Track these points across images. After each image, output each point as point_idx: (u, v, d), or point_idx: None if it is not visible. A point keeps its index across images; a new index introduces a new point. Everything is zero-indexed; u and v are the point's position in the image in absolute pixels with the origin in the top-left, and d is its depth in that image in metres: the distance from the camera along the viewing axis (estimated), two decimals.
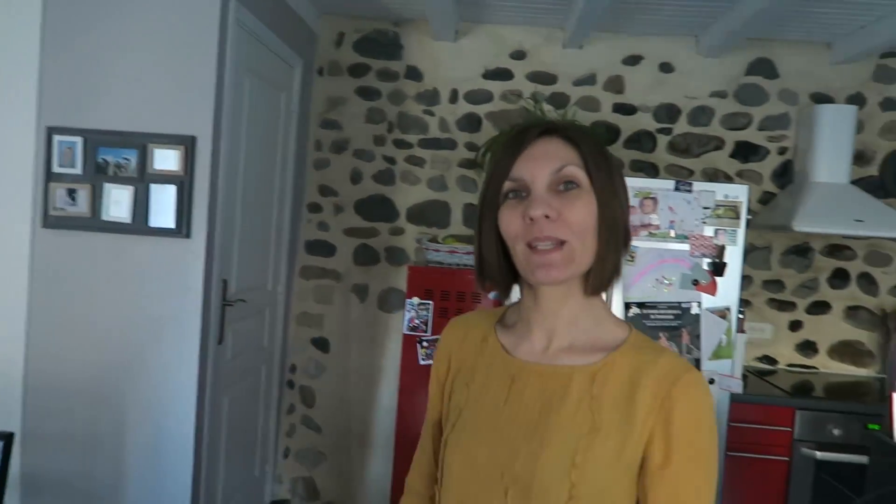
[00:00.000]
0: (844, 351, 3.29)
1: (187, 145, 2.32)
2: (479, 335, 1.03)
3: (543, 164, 0.89)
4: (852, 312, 3.28)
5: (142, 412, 2.38)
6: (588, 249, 0.89)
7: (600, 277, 0.91)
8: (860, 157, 3.23)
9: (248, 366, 2.95)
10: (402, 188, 3.45)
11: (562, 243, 0.88)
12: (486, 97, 3.40)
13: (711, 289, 2.58)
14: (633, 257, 2.57)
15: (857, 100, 3.26)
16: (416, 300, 2.91)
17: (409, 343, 2.93)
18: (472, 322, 1.06)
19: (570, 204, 0.88)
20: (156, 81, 2.33)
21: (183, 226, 2.34)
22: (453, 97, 3.42)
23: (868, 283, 3.28)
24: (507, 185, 0.91)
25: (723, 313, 2.58)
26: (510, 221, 0.90)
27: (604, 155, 0.92)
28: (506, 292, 0.98)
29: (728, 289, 2.58)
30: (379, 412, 3.46)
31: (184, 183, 2.34)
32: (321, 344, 3.48)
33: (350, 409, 3.47)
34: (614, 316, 0.98)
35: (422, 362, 2.90)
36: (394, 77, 3.43)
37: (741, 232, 2.59)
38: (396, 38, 3.41)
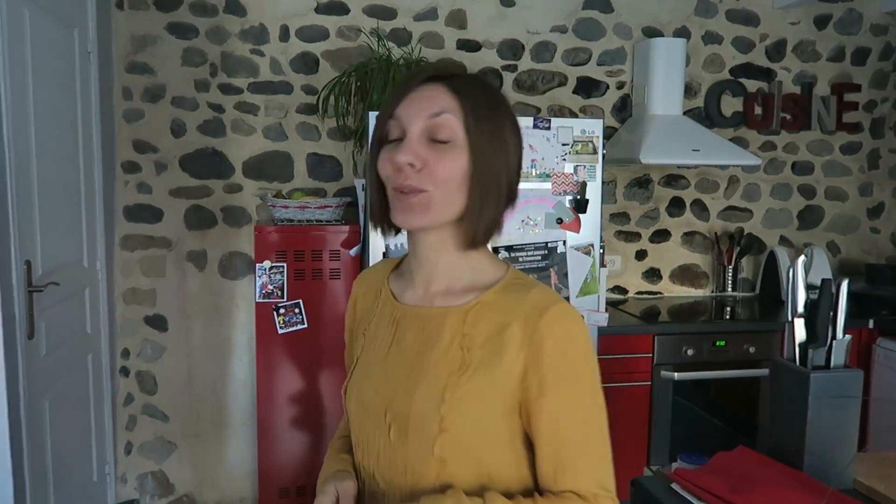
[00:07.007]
0: (683, 275, 3.51)
1: None
2: (377, 284, 1.06)
3: (423, 107, 0.91)
4: (688, 238, 3.50)
5: None
6: (451, 202, 0.91)
7: (474, 232, 0.93)
8: (688, 89, 3.37)
9: (70, 358, 2.50)
10: (234, 139, 3.07)
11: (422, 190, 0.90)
12: (321, 34, 3.09)
13: (575, 226, 2.57)
14: None
15: (682, 33, 3.39)
16: (267, 264, 2.61)
17: (264, 311, 2.64)
18: (375, 272, 1.10)
19: (439, 157, 0.89)
20: None
21: None
22: (284, 34, 3.06)
23: (700, 209, 3.50)
24: (391, 123, 0.93)
25: (587, 249, 2.59)
26: (384, 165, 0.92)
27: (492, 109, 0.93)
28: (385, 234, 1.00)
29: (590, 225, 2.59)
30: (234, 390, 3.14)
31: None
32: (156, 322, 3.06)
33: (199, 390, 3.11)
34: (496, 260, 1.00)
35: (280, 331, 2.63)
36: (212, 12, 3.00)
37: (599, 167, 2.59)
38: None
